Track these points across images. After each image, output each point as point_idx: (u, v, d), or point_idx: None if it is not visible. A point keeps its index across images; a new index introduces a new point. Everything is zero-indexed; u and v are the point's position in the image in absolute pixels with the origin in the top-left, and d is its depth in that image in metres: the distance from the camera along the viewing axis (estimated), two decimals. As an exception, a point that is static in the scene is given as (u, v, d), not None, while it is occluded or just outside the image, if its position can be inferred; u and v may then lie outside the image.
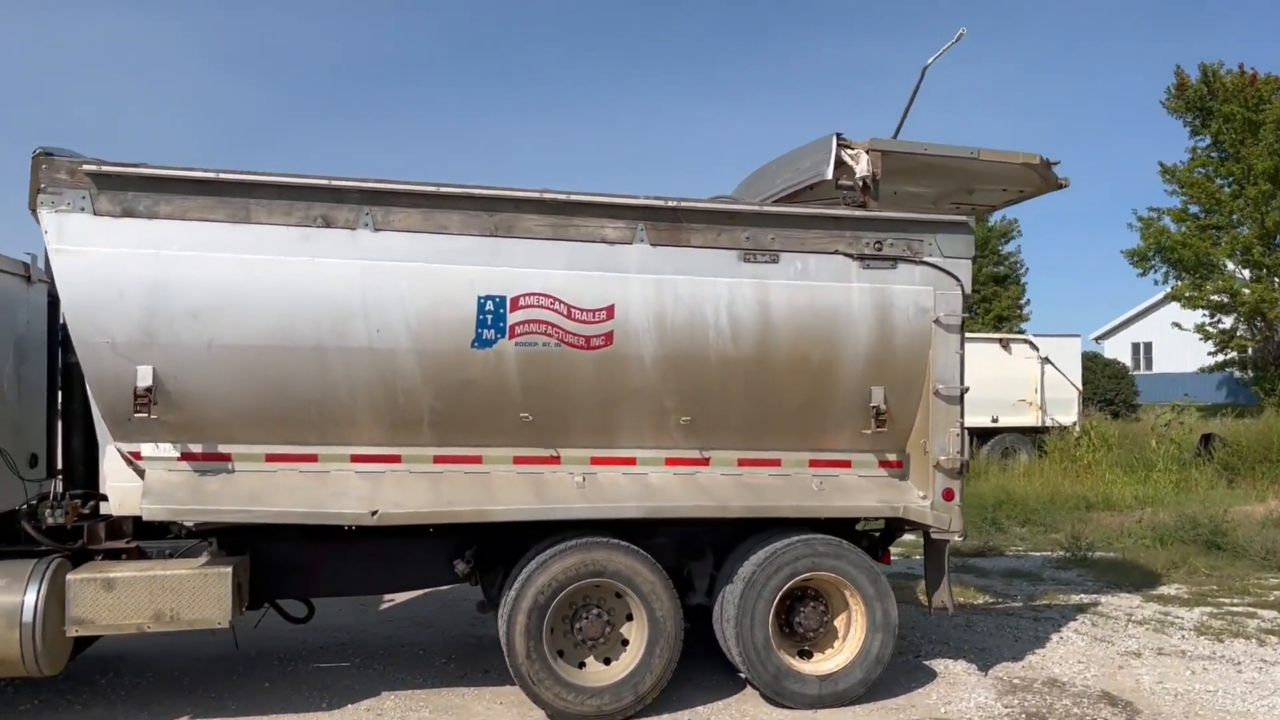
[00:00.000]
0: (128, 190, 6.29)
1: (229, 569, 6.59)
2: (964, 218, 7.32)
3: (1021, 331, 35.02)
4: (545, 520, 7.00)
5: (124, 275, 6.26)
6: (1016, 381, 21.79)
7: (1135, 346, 52.59)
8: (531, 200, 6.78)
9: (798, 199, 7.88)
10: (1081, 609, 10.28)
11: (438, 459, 6.93)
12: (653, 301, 6.86)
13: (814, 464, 7.38)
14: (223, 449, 6.71)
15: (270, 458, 6.76)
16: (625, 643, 7.06)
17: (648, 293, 6.86)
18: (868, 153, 7.36)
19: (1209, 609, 10.32)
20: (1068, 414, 22.82)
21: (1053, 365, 22.65)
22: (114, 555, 7.04)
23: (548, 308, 6.75)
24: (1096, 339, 54.71)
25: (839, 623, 7.38)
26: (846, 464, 7.42)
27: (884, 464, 7.47)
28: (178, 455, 6.65)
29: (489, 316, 6.69)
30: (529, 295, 6.73)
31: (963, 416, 7.32)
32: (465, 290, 6.65)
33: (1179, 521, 14.04)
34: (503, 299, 6.70)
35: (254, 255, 6.45)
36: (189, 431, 6.62)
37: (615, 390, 6.91)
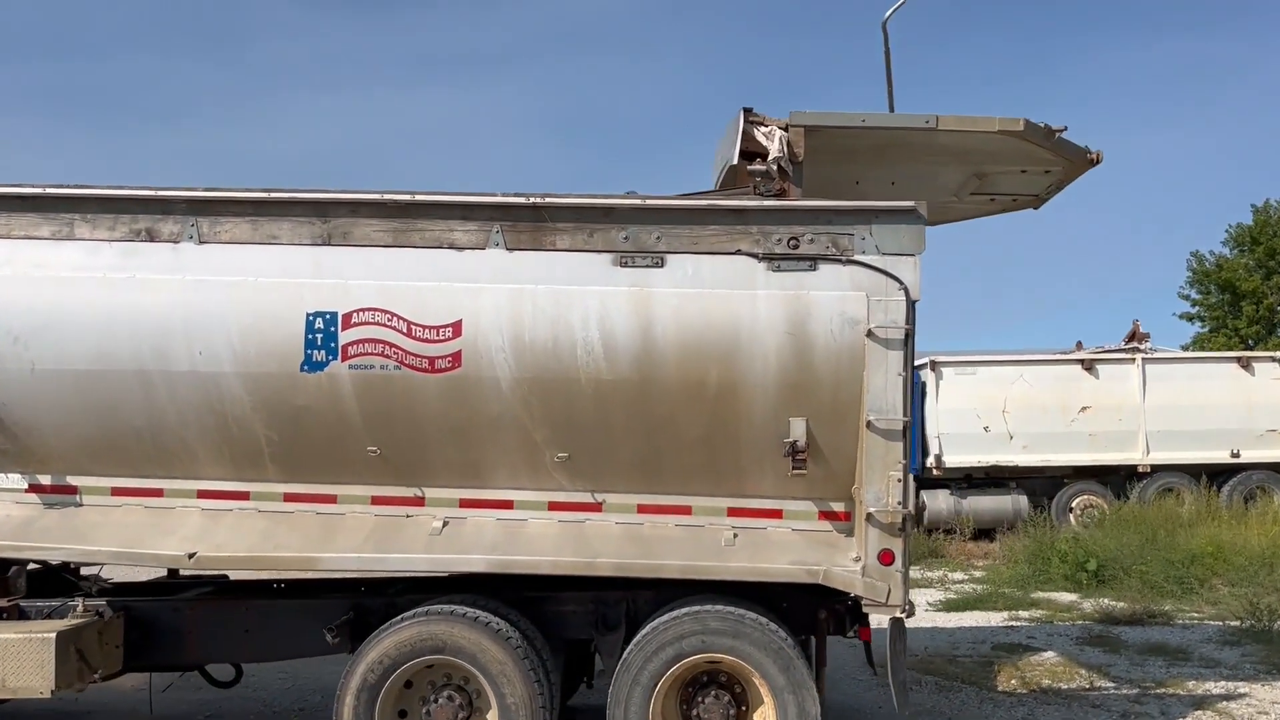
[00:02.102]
0: (-48, 210, 6.02)
1: (53, 634, 5.88)
2: (909, 203, 5.73)
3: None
4: (400, 574, 6.10)
5: (-53, 297, 5.98)
6: (1264, 408, 18.32)
7: None
8: (370, 204, 5.94)
9: (732, 196, 6.51)
10: (1204, 702, 8.05)
11: (288, 497, 6.20)
12: (508, 315, 5.80)
13: (734, 513, 6.02)
14: (71, 481, 6.33)
15: (116, 491, 6.30)
16: None
17: (502, 305, 5.81)
18: (785, 129, 5.95)
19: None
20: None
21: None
22: None
23: (384, 324, 5.86)
24: None
25: (758, 718, 5.92)
26: (776, 514, 6.00)
27: (825, 515, 5.99)
28: (25, 487, 6.32)
29: (319, 335, 5.88)
30: (363, 310, 5.87)
31: (909, 455, 5.71)
32: (293, 306, 5.90)
33: None
34: (334, 315, 5.88)
35: (75, 273, 6.01)
36: (32, 462, 6.27)
37: (470, 420, 5.90)
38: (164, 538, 6.07)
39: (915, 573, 14.33)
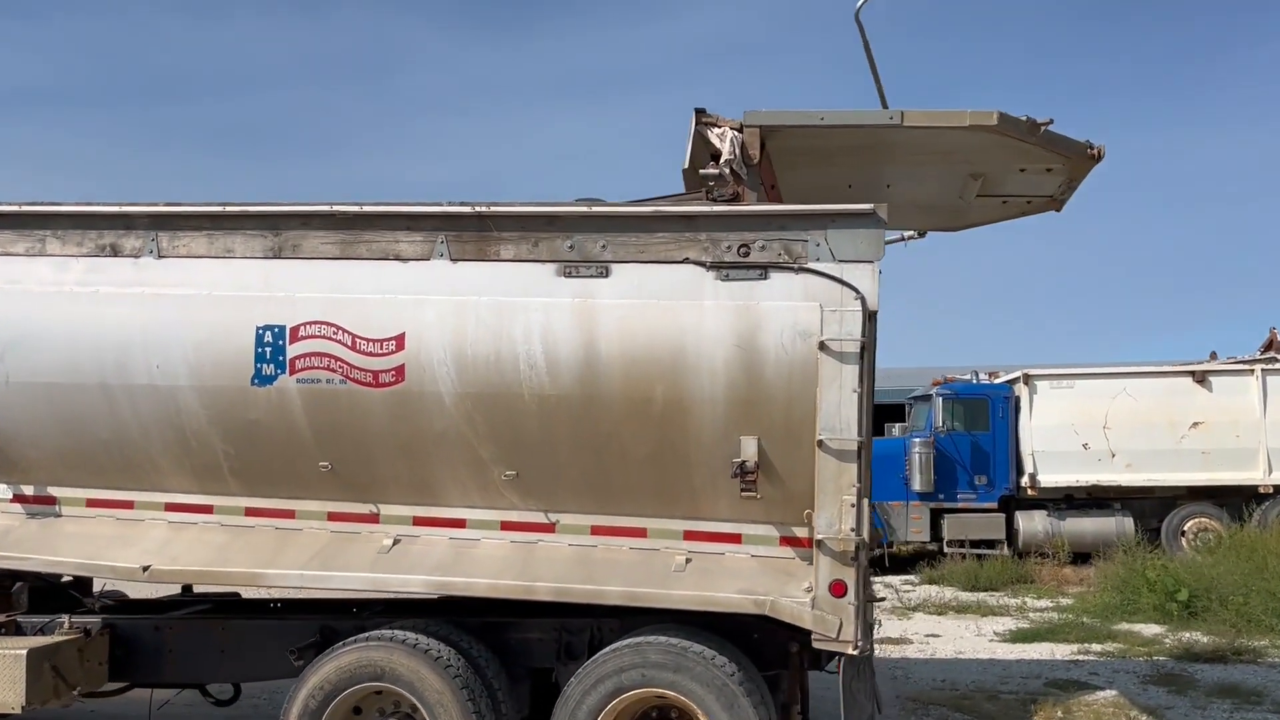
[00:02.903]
0: (-65, 229, 6.22)
1: (24, 651, 5.94)
2: (866, 206, 5.31)
3: None
4: (347, 593, 5.99)
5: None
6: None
7: None
8: (319, 215, 5.87)
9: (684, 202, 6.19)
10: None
11: (249, 511, 6.18)
12: (450, 328, 5.64)
13: (690, 536, 5.70)
14: (52, 491, 6.45)
15: (90, 502, 6.40)
16: None
17: (445, 318, 5.65)
18: (739, 130, 5.60)
19: None
20: None
21: None
22: None
23: (330, 338, 5.77)
24: None
25: (709, 757, 5.55)
26: (734, 539, 5.65)
27: (787, 541, 5.60)
28: (10, 497, 6.48)
29: (268, 349, 5.84)
30: (310, 324, 5.80)
31: (863, 479, 5.29)
32: (244, 320, 5.87)
33: None
34: (282, 329, 5.82)
35: (45, 288, 6.13)
36: (15, 473, 6.42)
37: (416, 436, 5.76)
38: (125, 550, 6.12)
39: (995, 599, 13.60)
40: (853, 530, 5.20)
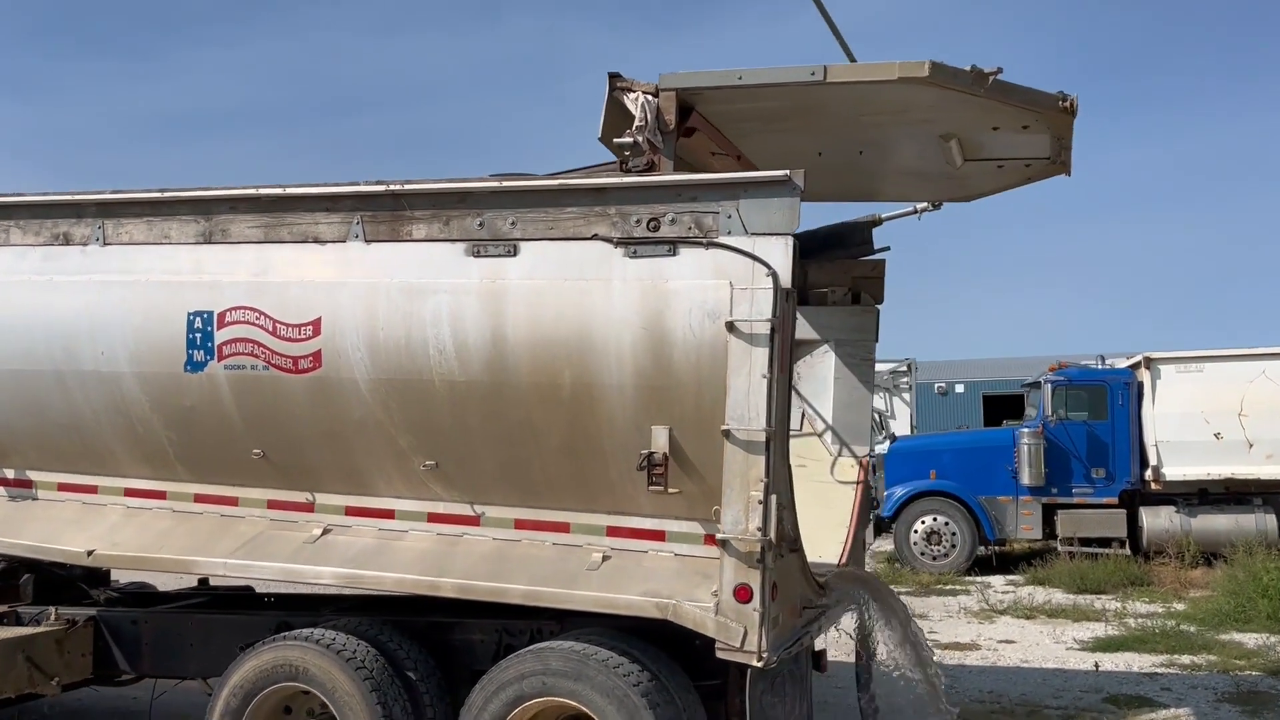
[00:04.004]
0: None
1: None
2: (781, 173, 4.79)
3: None
4: (274, 583, 5.91)
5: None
6: None
7: None
8: (245, 199, 5.78)
9: (595, 174, 5.77)
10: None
11: (198, 498, 6.19)
12: (363, 312, 5.45)
13: (614, 533, 5.34)
14: (30, 476, 6.63)
15: (61, 486, 6.54)
16: None
17: (358, 302, 5.47)
18: (654, 95, 5.17)
19: None
20: None
21: None
22: None
23: (253, 323, 5.68)
24: None
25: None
26: (658, 536, 5.25)
27: (712, 540, 5.14)
28: (-5, 481, 6.70)
29: (198, 335, 5.80)
30: (235, 309, 5.72)
31: (771, 472, 4.80)
32: (176, 306, 5.85)
33: None
34: (210, 315, 5.77)
35: (6, 277, 6.27)
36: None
37: (337, 423, 5.61)
38: (79, 533, 6.21)
39: (1098, 603, 12.61)
40: (759, 529, 4.73)
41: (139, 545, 6.04)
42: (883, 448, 17.17)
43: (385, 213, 5.48)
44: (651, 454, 4.97)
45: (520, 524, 5.49)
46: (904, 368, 29.07)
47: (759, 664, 4.72)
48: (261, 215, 5.72)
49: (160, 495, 6.25)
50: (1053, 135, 5.60)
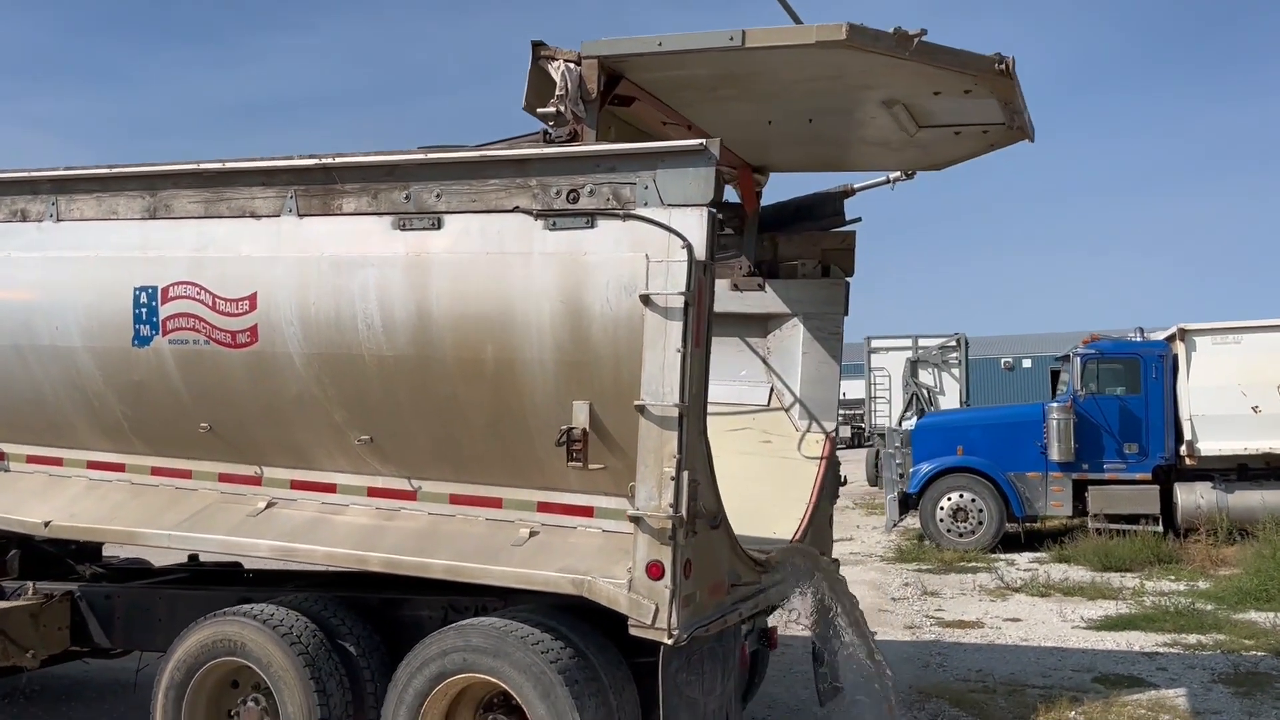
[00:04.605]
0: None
1: None
2: (697, 142, 4.67)
3: None
4: (222, 555, 5.96)
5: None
6: None
7: None
8: (189, 174, 5.80)
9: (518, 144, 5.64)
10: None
11: (154, 471, 6.27)
12: (295, 287, 5.46)
13: (544, 508, 5.28)
14: (3, 448, 6.77)
15: (30, 459, 6.68)
16: None
17: (291, 277, 5.47)
18: (576, 63, 5.06)
19: None
20: None
21: None
22: None
23: (194, 298, 5.72)
24: None
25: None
26: (587, 512, 5.19)
27: (640, 515, 5.10)
28: (-31, 451, 6.85)
29: (144, 310, 5.86)
30: (178, 285, 5.77)
31: (684, 449, 4.70)
32: (123, 281, 5.91)
33: None
34: (155, 290, 5.82)
35: (-30, 254, 6.37)
36: (-31, 430, 6.78)
37: (276, 398, 5.63)
38: (41, 505, 6.33)
39: (1120, 580, 12.32)
40: (671, 506, 4.65)
41: (95, 517, 6.14)
42: (910, 424, 16.88)
43: (318, 186, 5.46)
44: (570, 429, 4.91)
45: (455, 499, 5.47)
46: (953, 343, 28.62)
47: (669, 641, 4.65)
48: (202, 190, 5.74)
49: (120, 468, 6.34)
50: (999, 99, 5.37)
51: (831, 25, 4.64)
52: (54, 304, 6.09)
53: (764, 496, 6.82)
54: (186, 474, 6.15)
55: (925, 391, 28.49)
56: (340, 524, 5.62)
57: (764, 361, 7.26)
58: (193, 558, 7.45)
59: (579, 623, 5.18)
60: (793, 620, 6.04)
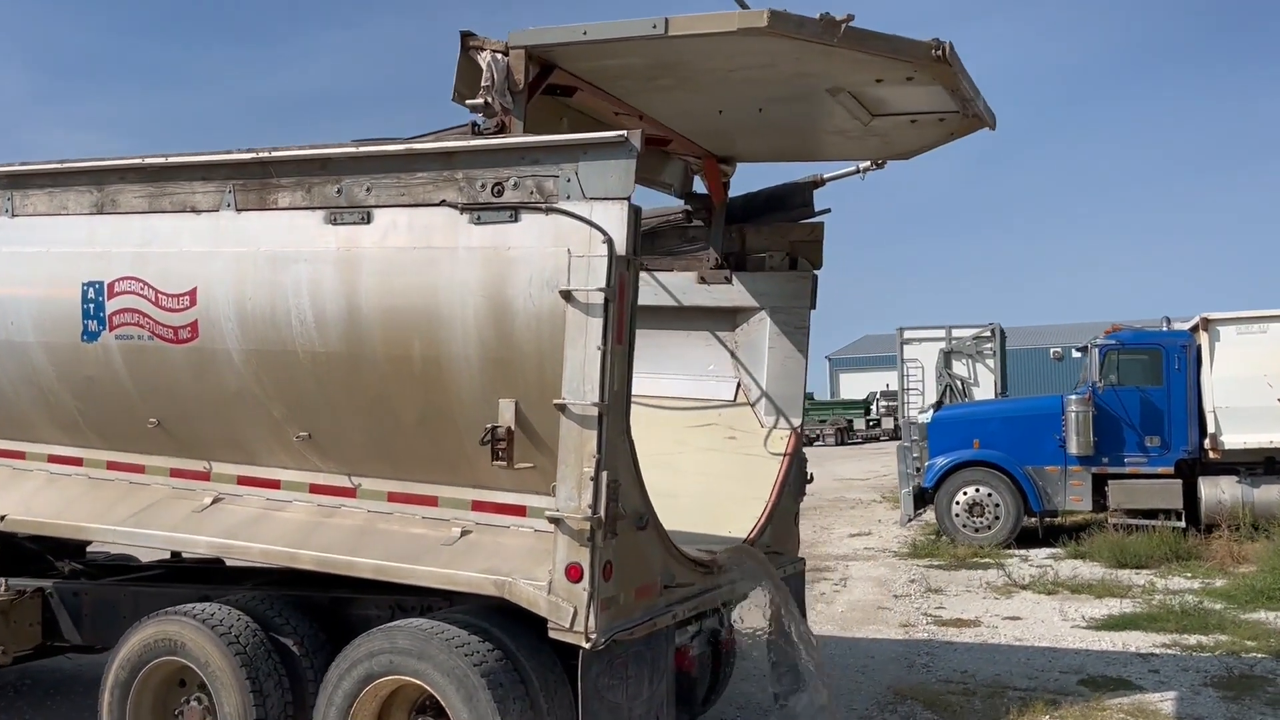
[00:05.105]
0: None
1: None
2: (618, 134, 4.55)
3: None
4: (180, 551, 5.96)
5: None
6: None
7: None
8: (134, 169, 5.80)
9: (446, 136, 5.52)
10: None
11: (110, 465, 6.28)
12: (233, 282, 5.43)
13: (478, 507, 5.20)
14: (-29, 442, 6.82)
15: (-1, 453, 6.71)
16: None
17: (229, 272, 5.45)
18: (504, 53, 4.96)
19: None
20: None
21: None
22: None
23: (138, 294, 5.72)
24: None
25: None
26: (520, 511, 5.10)
27: (571, 514, 5.00)
28: (-59, 445, 6.92)
29: (91, 305, 5.87)
30: (123, 280, 5.77)
31: (603, 448, 4.59)
32: (73, 277, 5.92)
33: None
34: (101, 285, 5.83)
35: (-65, 249, 6.42)
36: (-60, 422, 6.84)
37: (217, 393, 5.61)
38: (1, 497, 6.37)
39: (1132, 577, 12.03)
40: (590, 507, 4.55)
41: (49, 511, 6.18)
42: (925, 417, 16.61)
43: (254, 181, 5.42)
44: (495, 428, 4.83)
45: (393, 497, 5.42)
46: (988, 333, 28.14)
47: (587, 645, 4.56)
48: (147, 185, 5.73)
49: (78, 462, 6.37)
50: (945, 87, 5.18)
51: (754, 12, 4.49)
52: (9, 300, 6.12)
53: (726, 494, 6.72)
54: (140, 469, 6.16)
55: (959, 383, 28.10)
56: (281, 520, 5.59)
57: (733, 356, 7.12)
58: (175, 554, 7.50)
59: (513, 624, 5.08)
60: (738, 621, 5.91)
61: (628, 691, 4.83)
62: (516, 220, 4.77)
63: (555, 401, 4.61)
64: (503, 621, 5.07)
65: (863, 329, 76.25)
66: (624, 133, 4.56)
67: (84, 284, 5.86)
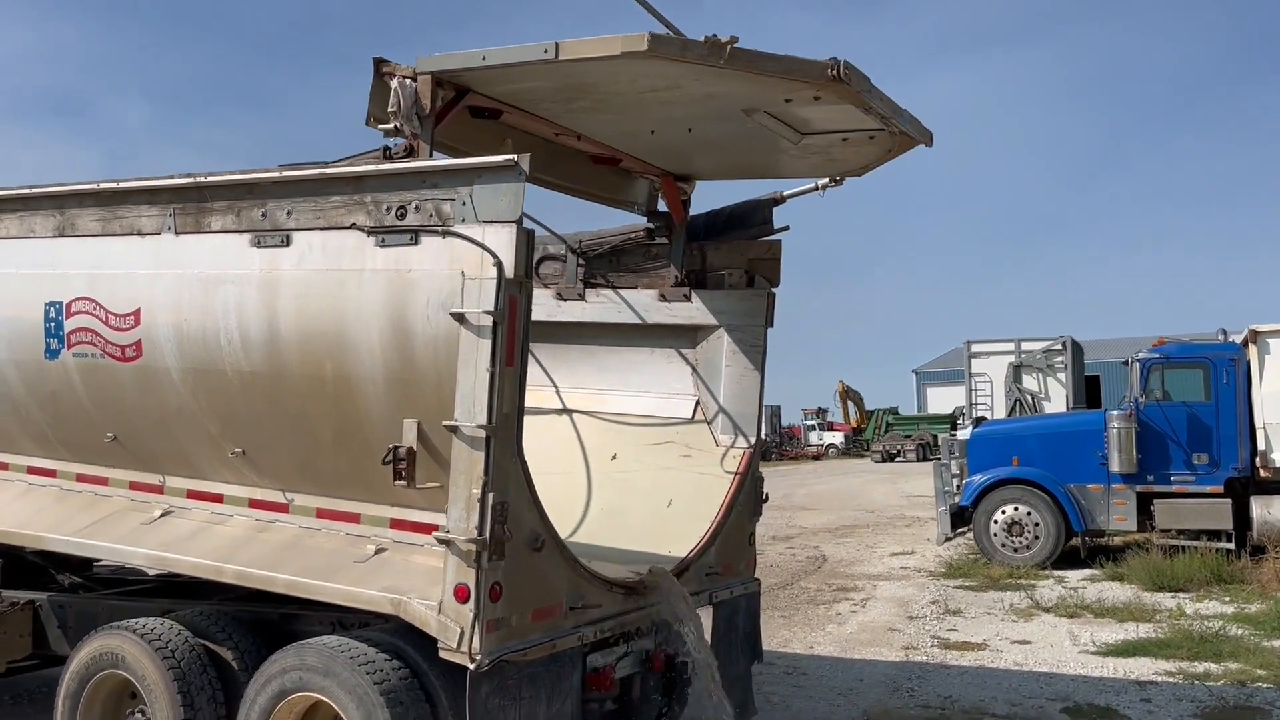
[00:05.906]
0: None
1: None
2: (507, 158, 4.59)
3: None
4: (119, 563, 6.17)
5: None
6: None
7: None
8: (90, 194, 6.04)
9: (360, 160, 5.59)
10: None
11: (79, 477, 6.54)
12: (171, 303, 5.62)
13: (396, 525, 5.27)
14: (-45, 454, 7.15)
15: (-19, 464, 7.03)
16: None
17: (169, 293, 5.64)
18: (412, 78, 5.04)
19: None
20: None
21: None
22: None
23: (91, 313, 5.96)
24: None
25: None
26: (431, 529, 5.15)
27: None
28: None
29: (52, 324, 6.14)
30: (79, 300, 6.02)
31: (490, 470, 4.63)
32: (38, 297, 6.20)
33: None
34: (61, 305, 6.09)
35: (-84, 270, 6.77)
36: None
37: (161, 411, 5.82)
38: (-28, 508, 6.68)
39: (1164, 600, 11.62)
40: (476, 529, 4.60)
41: (17, 521, 6.46)
42: (964, 433, 16.25)
43: (192, 205, 5.60)
44: (397, 448, 4.90)
45: (321, 513, 5.53)
46: (1058, 346, 27.40)
47: (471, 666, 4.59)
48: (100, 209, 5.97)
49: (51, 474, 6.65)
50: (855, 106, 5.10)
51: (635, 36, 4.49)
52: (-16, 318, 6.43)
53: (675, 512, 6.70)
54: (104, 481, 6.40)
55: (1029, 397, 27.39)
56: (218, 534, 5.76)
57: (694, 373, 7.10)
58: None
59: (430, 645, 5.14)
60: (661, 644, 5.87)
61: (521, 712, 4.85)
62: (416, 243, 4.85)
63: (445, 423, 4.67)
64: (419, 641, 5.09)
65: (951, 341, 74.85)
66: (514, 157, 4.61)
67: (46, 303, 6.13)
